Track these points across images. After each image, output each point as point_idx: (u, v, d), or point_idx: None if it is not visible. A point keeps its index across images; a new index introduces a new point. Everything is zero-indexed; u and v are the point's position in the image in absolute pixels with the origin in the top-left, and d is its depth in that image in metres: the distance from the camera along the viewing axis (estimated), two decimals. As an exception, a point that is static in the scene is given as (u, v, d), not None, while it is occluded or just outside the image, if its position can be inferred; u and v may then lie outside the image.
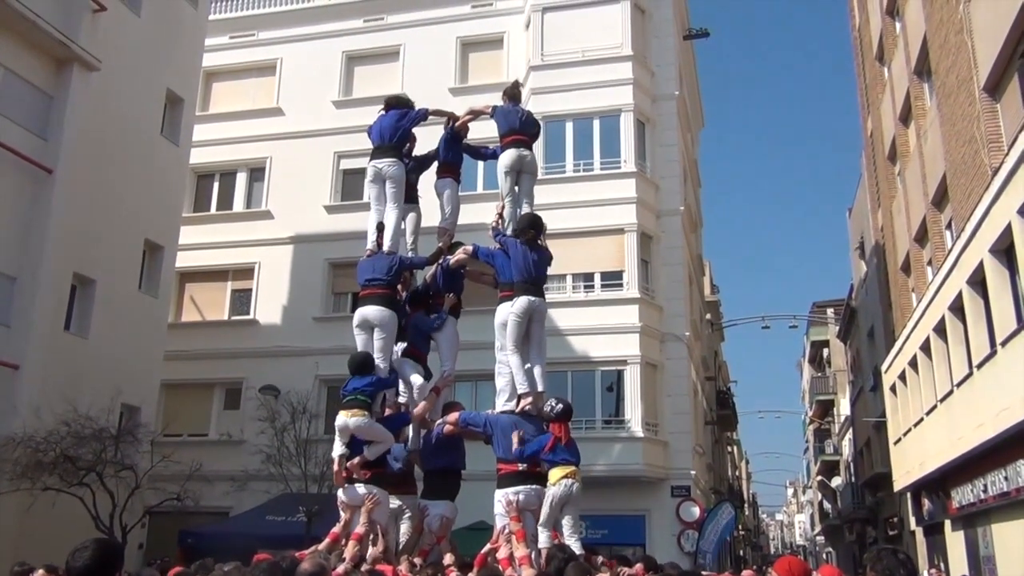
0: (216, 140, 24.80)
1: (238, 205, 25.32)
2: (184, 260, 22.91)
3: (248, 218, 24.85)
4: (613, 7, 23.02)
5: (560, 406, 8.56)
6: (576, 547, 7.87)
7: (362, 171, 24.21)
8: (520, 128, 10.09)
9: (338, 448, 8.61)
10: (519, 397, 8.94)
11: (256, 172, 25.48)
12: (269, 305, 23.88)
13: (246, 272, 24.38)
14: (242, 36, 26.49)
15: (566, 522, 8.27)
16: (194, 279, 24.50)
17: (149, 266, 20.90)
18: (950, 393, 16.97)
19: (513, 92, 10.54)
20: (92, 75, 18.11)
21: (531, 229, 9.26)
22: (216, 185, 25.72)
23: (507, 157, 10.01)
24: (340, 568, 6.59)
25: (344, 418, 8.52)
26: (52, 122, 17.34)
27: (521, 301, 8.99)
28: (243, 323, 23.98)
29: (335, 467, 8.61)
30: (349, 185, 24.59)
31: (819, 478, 55.37)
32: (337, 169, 24.66)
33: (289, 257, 24.14)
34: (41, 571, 7.48)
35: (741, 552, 43.29)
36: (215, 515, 20.07)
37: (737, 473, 57.11)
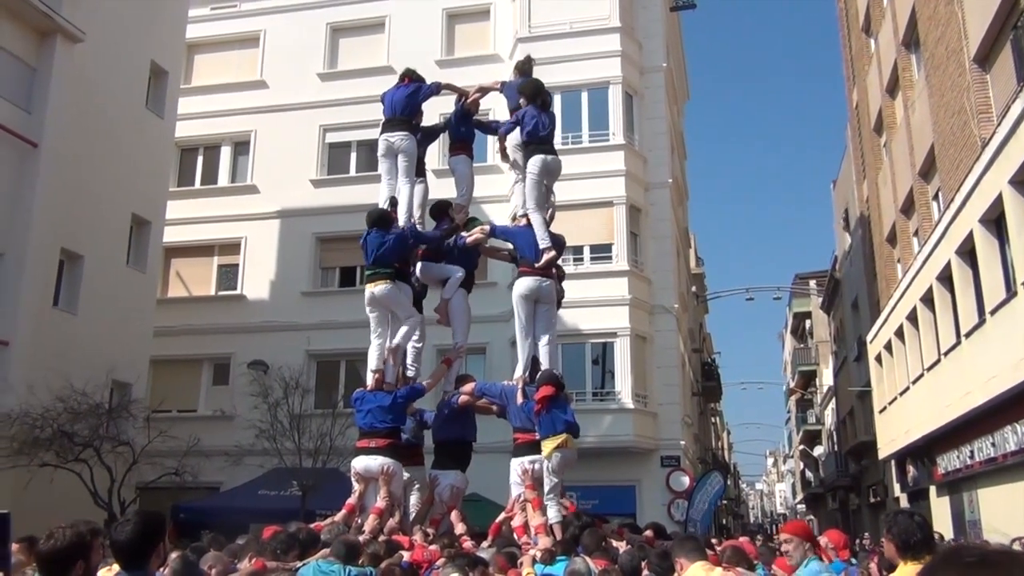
0: (199, 113, 24.43)
1: (223, 180, 25.04)
2: (169, 235, 22.68)
3: (233, 192, 24.59)
4: (600, -22, 22.84)
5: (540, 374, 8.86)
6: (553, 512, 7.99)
7: (348, 144, 24.43)
8: None
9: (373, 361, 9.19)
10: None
11: (240, 146, 25.19)
12: (256, 280, 23.72)
13: (232, 247, 24.17)
14: (224, 7, 26.06)
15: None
16: (180, 254, 24.26)
17: (136, 241, 20.71)
18: (937, 362, 17.21)
19: (524, 67, 10.55)
20: (76, 47, 17.80)
21: (540, 94, 9.79)
22: (200, 159, 25.40)
23: (518, 135, 10.01)
24: (359, 539, 6.65)
25: (370, 289, 8.90)
26: (36, 95, 17.04)
27: (536, 160, 9.49)
28: (230, 298, 23.81)
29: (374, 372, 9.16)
30: (335, 159, 24.43)
31: (801, 447, 56.10)
32: (323, 143, 24.43)
33: (276, 232, 23.94)
34: (17, 546, 7.25)
35: (724, 521, 43.84)
36: (206, 490, 20.03)
37: (720, 443, 57.73)
